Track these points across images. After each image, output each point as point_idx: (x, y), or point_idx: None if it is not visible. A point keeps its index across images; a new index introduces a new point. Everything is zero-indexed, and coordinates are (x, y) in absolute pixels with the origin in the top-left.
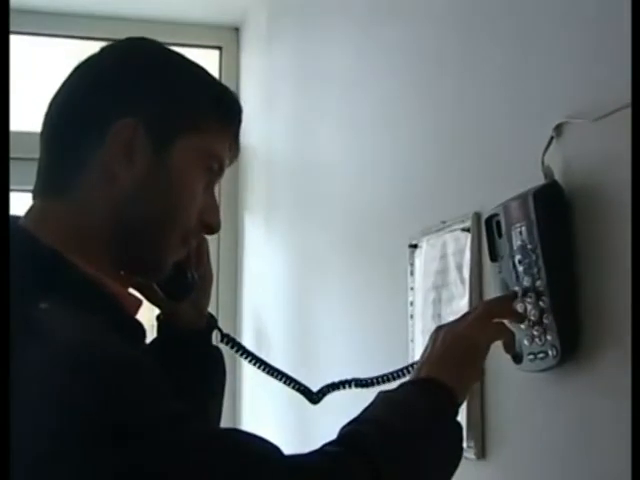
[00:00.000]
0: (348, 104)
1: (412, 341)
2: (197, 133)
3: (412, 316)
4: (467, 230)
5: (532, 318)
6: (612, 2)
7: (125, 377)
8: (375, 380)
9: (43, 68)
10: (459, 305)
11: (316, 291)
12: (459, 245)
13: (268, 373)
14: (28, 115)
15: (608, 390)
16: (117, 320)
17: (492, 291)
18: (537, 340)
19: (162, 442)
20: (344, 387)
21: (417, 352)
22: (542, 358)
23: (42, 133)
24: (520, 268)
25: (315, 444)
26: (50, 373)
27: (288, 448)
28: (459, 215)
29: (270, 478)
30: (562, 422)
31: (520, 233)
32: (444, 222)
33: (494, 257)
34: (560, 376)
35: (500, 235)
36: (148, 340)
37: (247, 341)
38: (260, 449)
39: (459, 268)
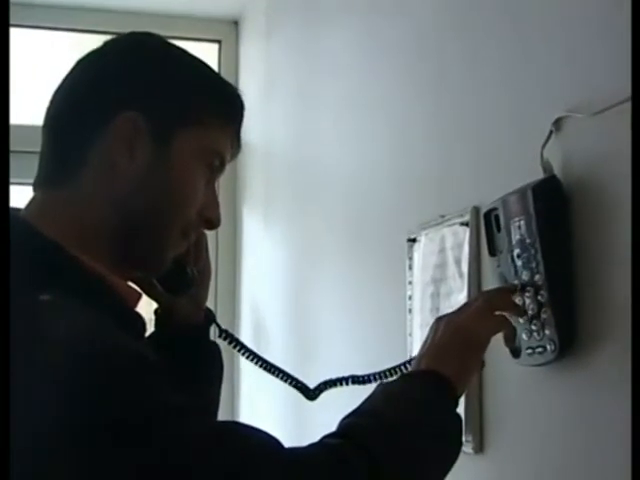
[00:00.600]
0: (347, 98)
1: (410, 335)
2: (199, 128)
3: (410, 310)
4: (466, 224)
5: (530, 312)
6: None
7: (126, 370)
8: (372, 377)
9: (44, 61)
10: (457, 299)
11: (314, 285)
12: (458, 239)
13: (265, 369)
14: (29, 108)
15: (606, 384)
16: (118, 312)
17: (491, 285)
18: (535, 334)
19: (163, 435)
20: (341, 384)
21: (415, 346)
22: (540, 352)
23: (44, 125)
24: (519, 262)
25: (312, 440)
26: (51, 366)
27: (285, 444)
28: (458, 209)
29: (270, 470)
30: (560, 416)
31: (519, 227)
32: (443, 216)
33: (493, 251)
34: (558, 370)
35: (499, 229)
36: (146, 334)
37: (245, 335)
38: (260, 441)
39: (458, 262)
